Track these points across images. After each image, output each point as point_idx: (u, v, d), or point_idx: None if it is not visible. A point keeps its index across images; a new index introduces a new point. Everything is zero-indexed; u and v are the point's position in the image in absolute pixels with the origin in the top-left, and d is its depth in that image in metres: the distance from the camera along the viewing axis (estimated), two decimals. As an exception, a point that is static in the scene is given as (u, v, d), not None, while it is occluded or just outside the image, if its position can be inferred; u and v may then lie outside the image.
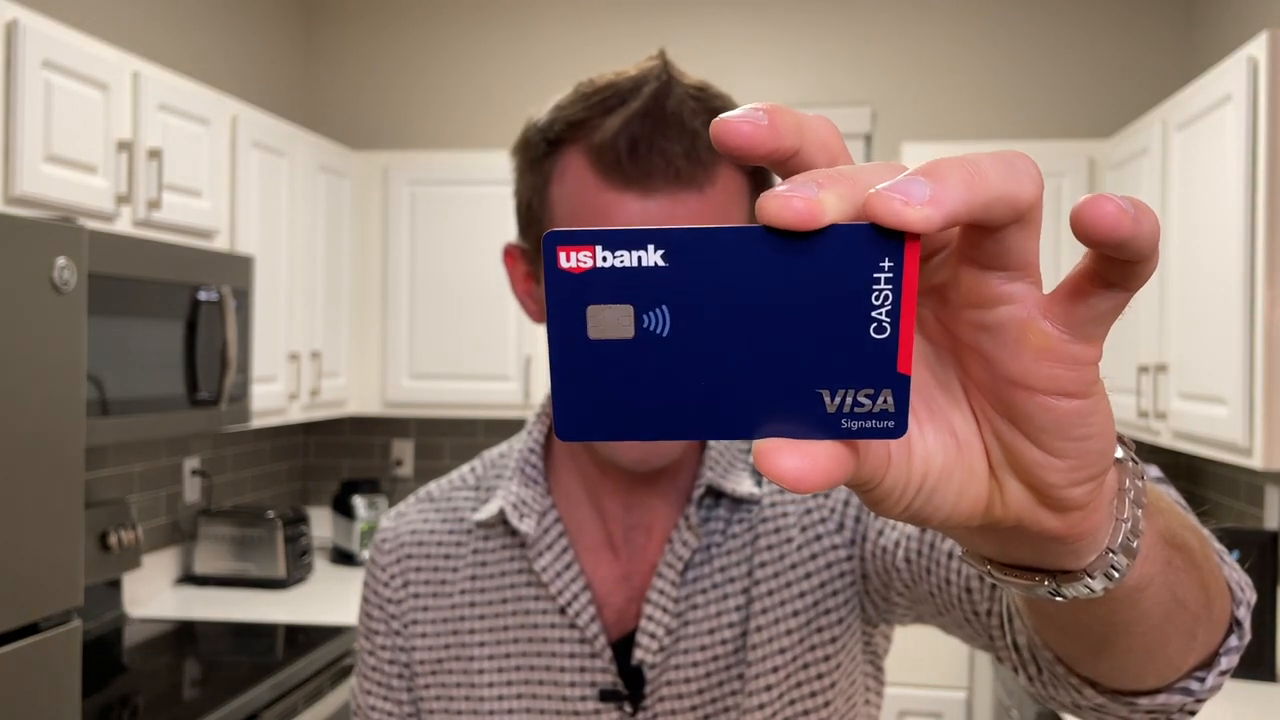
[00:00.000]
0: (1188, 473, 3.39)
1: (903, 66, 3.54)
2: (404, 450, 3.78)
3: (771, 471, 0.30)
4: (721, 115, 0.31)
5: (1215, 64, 3.02)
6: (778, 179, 0.44)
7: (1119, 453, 0.39)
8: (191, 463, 3.11)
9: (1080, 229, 0.30)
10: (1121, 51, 3.46)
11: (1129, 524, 0.39)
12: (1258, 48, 2.13)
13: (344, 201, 3.35)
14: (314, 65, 3.82)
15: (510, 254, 0.87)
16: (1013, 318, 0.33)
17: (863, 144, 3.57)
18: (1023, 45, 3.50)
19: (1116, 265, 0.31)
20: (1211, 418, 2.31)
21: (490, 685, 0.87)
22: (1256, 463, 2.10)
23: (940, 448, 0.35)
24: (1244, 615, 0.55)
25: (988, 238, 0.32)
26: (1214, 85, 2.33)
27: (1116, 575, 0.39)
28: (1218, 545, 0.58)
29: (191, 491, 3.11)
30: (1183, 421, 2.49)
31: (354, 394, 3.44)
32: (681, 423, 0.32)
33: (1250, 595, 0.56)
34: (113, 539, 2.58)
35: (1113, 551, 0.39)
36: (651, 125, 0.74)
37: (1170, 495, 0.59)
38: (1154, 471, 0.62)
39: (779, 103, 0.39)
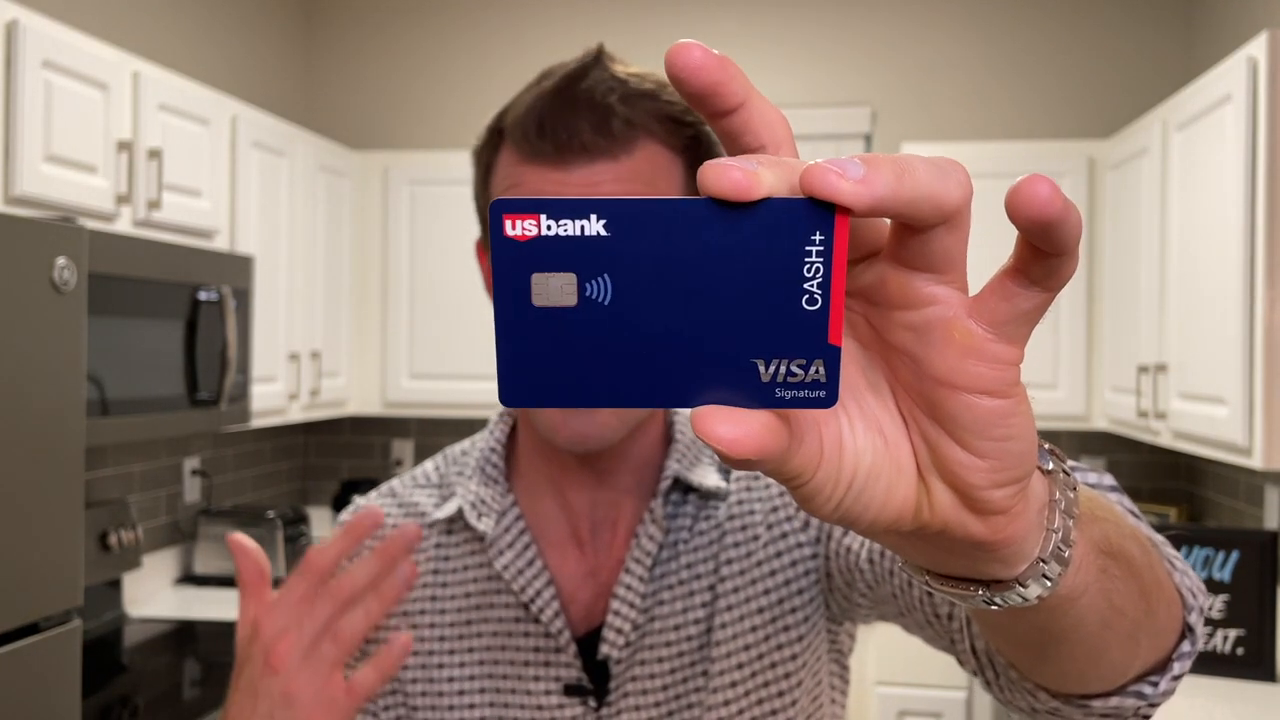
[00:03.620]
0: (1188, 473, 3.39)
1: (903, 66, 3.54)
2: (404, 450, 3.78)
3: (708, 436, 0.31)
4: (681, 40, 0.32)
5: (1215, 64, 3.02)
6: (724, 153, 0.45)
7: (1049, 465, 0.41)
8: (191, 463, 3.11)
9: (1014, 206, 0.32)
10: (1121, 51, 3.46)
11: (1059, 534, 0.40)
12: (1258, 48, 2.13)
13: (344, 201, 3.35)
14: (314, 65, 3.82)
15: (480, 248, 0.89)
16: (939, 317, 0.34)
17: (863, 144, 3.57)
18: (1022, 45, 3.50)
19: (1040, 260, 0.33)
20: (1211, 418, 2.31)
21: (451, 680, 0.87)
22: (1256, 463, 2.10)
23: (870, 446, 0.36)
24: (1195, 620, 0.56)
25: (915, 237, 0.33)
26: (1214, 85, 2.33)
27: (1049, 584, 0.40)
28: (1169, 552, 0.59)
29: (191, 491, 3.12)
30: (1183, 421, 2.49)
31: (354, 394, 3.44)
32: (621, 391, 0.33)
33: (1203, 600, 0.57)
34: (113, 539, 2.58)
35: (1044, 561, 0.40)
36: (560, 103, 0.76)
37: (1123, 503, 0.60)
38: (1107, 480, 0.63)
39: (778, 103, 0.41)
